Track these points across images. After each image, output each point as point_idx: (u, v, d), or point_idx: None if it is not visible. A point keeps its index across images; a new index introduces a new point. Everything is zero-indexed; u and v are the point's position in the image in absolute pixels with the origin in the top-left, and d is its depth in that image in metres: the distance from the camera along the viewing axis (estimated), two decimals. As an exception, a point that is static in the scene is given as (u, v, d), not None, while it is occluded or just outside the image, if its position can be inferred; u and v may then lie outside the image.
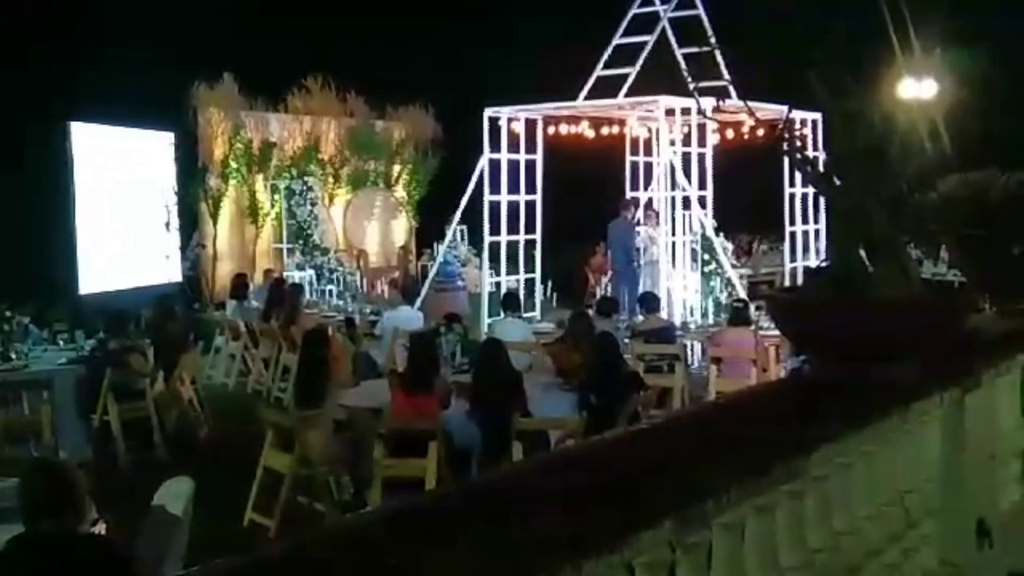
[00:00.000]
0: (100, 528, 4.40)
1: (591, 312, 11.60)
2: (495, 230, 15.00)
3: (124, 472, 9.03)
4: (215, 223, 18.36)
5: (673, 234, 14.28)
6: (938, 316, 3.04)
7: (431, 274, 16.02)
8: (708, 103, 3.72)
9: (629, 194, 16.16)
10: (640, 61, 15.25)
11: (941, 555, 3.11)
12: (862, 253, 3.03)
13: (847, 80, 3.08)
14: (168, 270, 16.47)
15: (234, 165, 18.57)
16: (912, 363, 2.88)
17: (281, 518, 7.34)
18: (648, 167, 16.03)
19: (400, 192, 21.34)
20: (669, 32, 15.00)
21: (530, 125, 15.18)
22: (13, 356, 9.94)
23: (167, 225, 17.08)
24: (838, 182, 3.21)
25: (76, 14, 14.51)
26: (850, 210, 3.06)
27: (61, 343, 10.75)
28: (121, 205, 15.40)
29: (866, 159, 3.08)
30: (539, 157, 15.29)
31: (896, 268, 2.99)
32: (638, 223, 15.29)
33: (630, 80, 15.29)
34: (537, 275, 15.81)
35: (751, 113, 3.41)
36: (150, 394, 9.70)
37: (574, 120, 15.70)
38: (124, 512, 5.16)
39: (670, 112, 13.94)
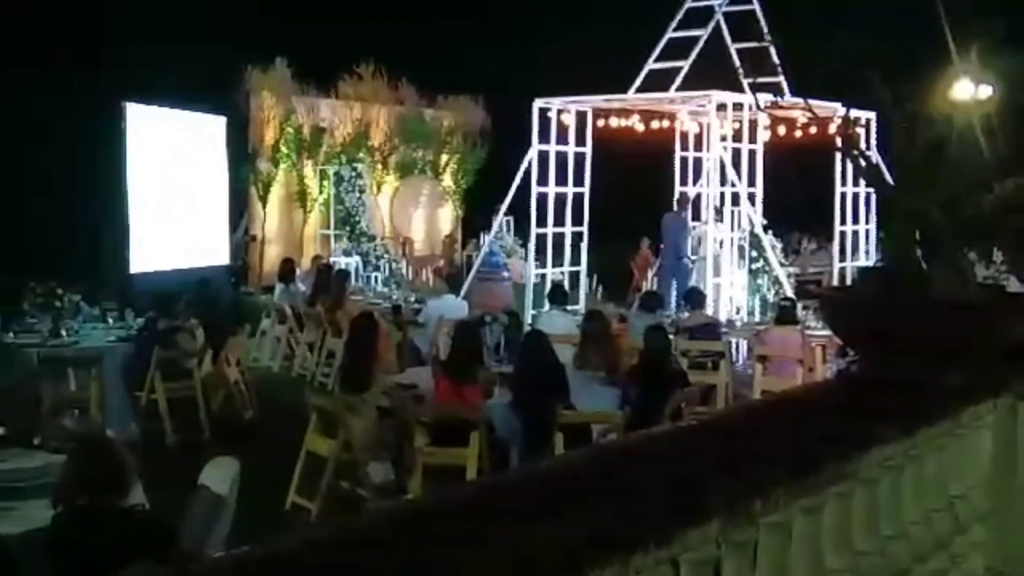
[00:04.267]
0: (142, 505, 4.46)
1: (634, 309, 11.57)
2: (542, 222, 14.98)
3: (169, 450, 9.13)
4: (264, 207, 18.50)
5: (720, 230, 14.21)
6: (993, 319, 3.00)
7: (476, 264, 16.03)
8: (762, 98, 3.68)
9: (678, 189, 16.08)
10: (693, 55, 15.16)
11: (989, 562, 3.06)
12: (917, 253, 3.00)
13: (906, 80, 3.04)
14: (217, 252, 16.61)
15: (284, 150, 18.69)
16: (965, 366, 2.84)
17: (323, 502, 7.39)
18: (698, 162, 15.94)
19: (447, 181, 21.38)
20: (723, 26, 14.89)
21: (580, 117, 15.14)
22: (64, 333, 10.07)
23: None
24: (892, 181, 3.17)
25: (133, -3, 14.66)
26: (906, 210, 3.03)
27: (111, 321, 10.87)
28: (173, 186, 15.55)
29: (923, 159, 3.04)
30: (588, 150, 15.25)
31: (952, 270, 2.95)
32: (697, 219, 15.19)
33: (682, 74, 15.20)
34: (582, 268, 15.79)
35: (808, 108, 3.38)
36: (197, 374, 9.80)
37: (624, 113, 15.64)
38: (169, 490, 5.21)
39: (721, 107, 13.86)
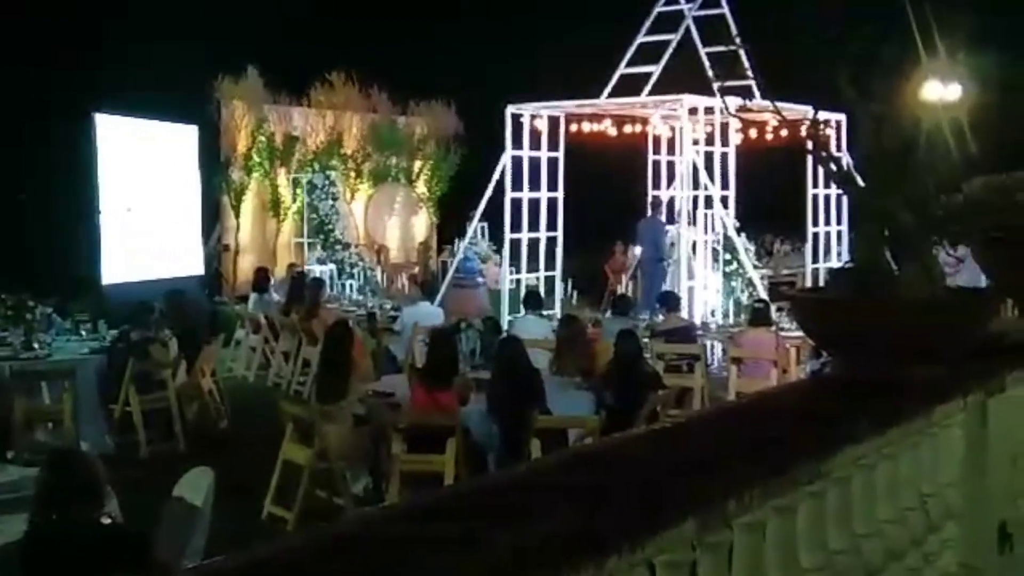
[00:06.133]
0: (115, 517, 4.44)
1: (607, 313, 11.60)
2: (516, 227, 15.01)
3: (144, 462, 9.08)
4: (237, 216, 18.43)
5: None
6: (962, 318, 3.03)
7: (451, 270, 16.03)
8: (733, 102, 3.70)
9: (651, 193, 16.14)
10: (664, 59, 15.22)
11: (962, 559, 3.09)
12: (887, 254, 3.02)
13: (874, 80, 3.07)
14: (190, 262, 16.54)
15: (257, 159, 18.65)
16: (936, 365, 2.87)
17: (300, 511, 7.37)
18: (671, 166, 16.01)
19: (421, 188, 21.37)
20: (693, 31, 14.97)
21: (552, 122, 15.18)
22: (36, 346, 10.00)
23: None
24: (862, 183, 3.19)
25: (101, 6, 14.58)
26: (876, 211, 3.05)
27: (84, 333, 10.80)
28: (144, 197, 15.47)
29: (893, 160, 3.07)
30: (561, 155, 15.29)
31: (921, 270, 2.98)
32: (670, 223, 15.26)
33: (654, 78, 15.27)
34: (557, 273, 15.81)
35: (777, 112, 3.39)
36: (171, 385, 9.75)
37: (597, 118, 15.69)
38: (144, 501, 5.19)
39: (693, 111, 13.92)
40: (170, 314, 11.01)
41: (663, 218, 15.25)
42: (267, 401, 10.44)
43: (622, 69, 15.26)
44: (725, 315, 14.20)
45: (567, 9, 18.06)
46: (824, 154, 3.30)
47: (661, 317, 12.12)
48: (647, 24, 15.33)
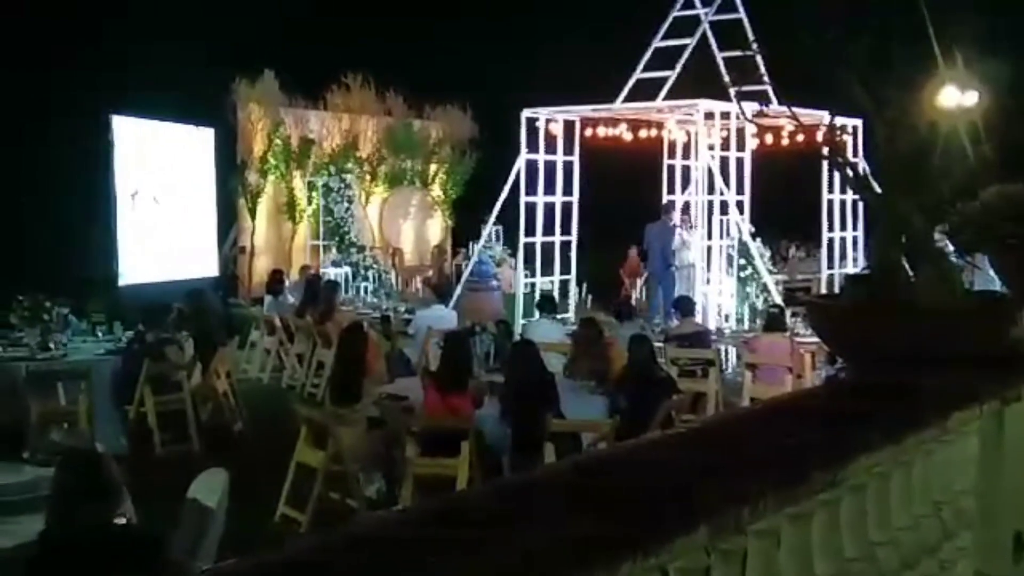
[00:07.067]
0: (129, 518, 4.44)
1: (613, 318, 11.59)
2: (531, 231, 15.01)
3: (159, 463, 9.10)
4: (253, 219, 18.47)
5: (710, 238, 14.23)
6: (979, 325, 3.01)
7: (465, 274, 16.04)
8: (749, 107, 3.70)
9: (666, 198, 16.10)
10: (680, 64, 15.20)
11: (977, 567, 3.07)
12: (903, 260, 3.01)
13: (889, 85, 3.06)
14: (205, 264, 16.59)
15: (273, 161, 18.67)
16: (952, 372, 2.85)
17: (313, 513, 7.38)
18: (686, 171, 15.96)
19: (436, 191, 21.38)
20: (710, 35, 14.93)
21: (568, 126, 15.18)
22: (52, 346, 10.03)
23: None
24: (879, 188, 3.18)
25: (119, 8, 14.64)
26: (892, 216, 3.04)
27: (100, 334, 10.83)
28: (161, 198, 15.53)
29: (908, 165, 3.06)
30: (576, 159, 15.29)
31: (937, 276, 2.97)
32: (676, 226, 15.23)
33: (669, 83, 15.25)
34: (572, 277, 15.80)
35: (794, 117, 3.39)
36: (187, 387, 9.77)
37: (612, 122, 15.68)
38: (158, 503, 5.21)
39: (709, 116, 13.90)
40: (188, 315, 11.05)
41: (673, 222, 15.18)
42: (281, 403, 10.47)
43: (638, 73, 15.24)
44: (740, 320, 14.17)
45: (583, 14, 18.06)
46: (840, 159, 3.29)
47: (675, 322, 12.10)
48: (663, 28, 15.30)
